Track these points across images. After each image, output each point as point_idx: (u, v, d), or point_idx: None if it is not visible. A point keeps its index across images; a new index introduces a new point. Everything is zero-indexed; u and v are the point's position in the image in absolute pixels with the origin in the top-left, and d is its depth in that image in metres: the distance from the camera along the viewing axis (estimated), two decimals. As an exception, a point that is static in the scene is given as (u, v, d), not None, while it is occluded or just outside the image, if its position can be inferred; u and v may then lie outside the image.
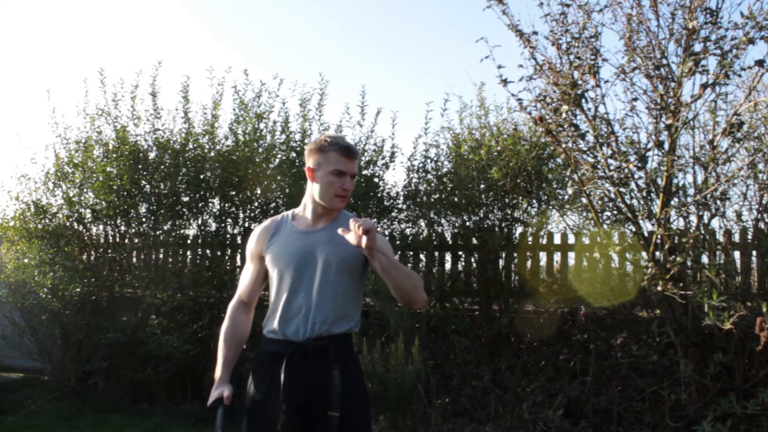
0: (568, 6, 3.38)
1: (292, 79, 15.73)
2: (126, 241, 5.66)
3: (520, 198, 4.63)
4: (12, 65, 22.43)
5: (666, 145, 3.20)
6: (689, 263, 3.15)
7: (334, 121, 8.75)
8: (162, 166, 5.38)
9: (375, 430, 3.89)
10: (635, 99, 3.31)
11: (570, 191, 3.95)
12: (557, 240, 4.87)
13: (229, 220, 5.42)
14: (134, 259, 5.67)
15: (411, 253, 5.29)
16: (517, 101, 3.51)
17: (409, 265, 5.26)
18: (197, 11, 22.55)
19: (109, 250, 5.60)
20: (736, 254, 4.02)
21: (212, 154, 5.34)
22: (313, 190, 2.01)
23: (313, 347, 1.91)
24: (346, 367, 1.94)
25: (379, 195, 5.49)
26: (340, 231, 1.87)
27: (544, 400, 3.88)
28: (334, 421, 1.83)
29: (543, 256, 4.90)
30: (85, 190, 5.57)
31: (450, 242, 5.19)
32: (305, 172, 2.04)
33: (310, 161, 2.01)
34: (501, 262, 4.91)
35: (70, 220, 5.62)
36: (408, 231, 5.45)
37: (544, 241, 4.88)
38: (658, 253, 3.24)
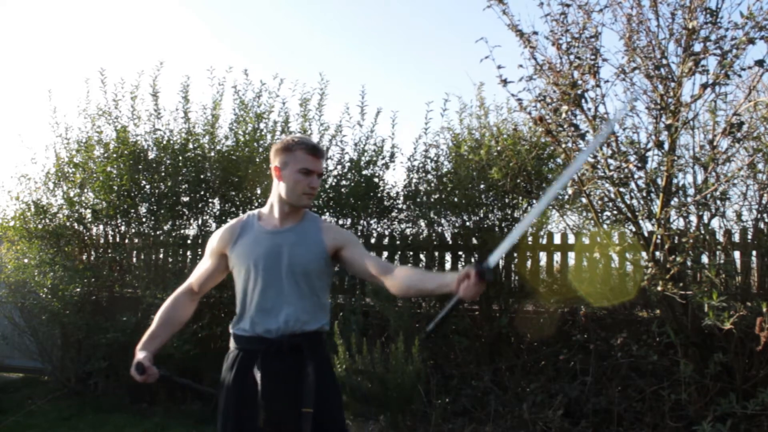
0: (568, 6, 3.39)
1: (292, 79, 15.73)
2: (126, 241, 5.66)
3: (520, 198, 4.63)
4: (13, 65, 22.45)
5: (666, 145, 3.20)
6: (689, 263, 3.15)
7: (334, 121, 8.77)
8: (162, 166, 5.37)
9: (375, 431, 3.89)
10: (635, 99, 3.32)
11: (570, 191, 3.95)
12: (557, 240, 4.86)
13: (230, 220, 5.41)
14: (134, 259, 5.67)
15: (411, 253, 5.29)
16: (517, 101, 3.51)
17: (410, 265, 5.27)
18: (197, 11, 22.57)
19: (109, 250, 5.60)
20: (736, 254, 4.02)
21: (212, 154, 5.34)
22: (279, 189, 2.03)
23: (288, 344, 1.95)
24: (320, 364, 1.99)
25: (379, 195, 5.49)
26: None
27: (544, 400, 3.87)
28: (308, 417, 1.87)
29: (543, 256, 4.90)
30: (85, 190, 5.57)
31: (450, 242, 5.19)
32: (272, 172, 2.07)
33: (276, 160, 2.03)
34: (501, 262, 4.91)
35: (70, 220, 5.62)
36: (408, 231, 5.46)
37: (544, 241, 4.88)
38: (658, 253, 3.24)
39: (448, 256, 5.25)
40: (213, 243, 2.12)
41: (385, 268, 1.96)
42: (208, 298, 5.15)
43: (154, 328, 2.05)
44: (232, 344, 2.06)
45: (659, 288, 3.10)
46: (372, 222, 5.63)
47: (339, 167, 5.56)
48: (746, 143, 3.25)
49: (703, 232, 3.33)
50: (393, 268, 1.96)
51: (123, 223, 5.60)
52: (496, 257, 1.78)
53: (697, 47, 3.08)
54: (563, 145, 3.49)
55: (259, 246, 2.02)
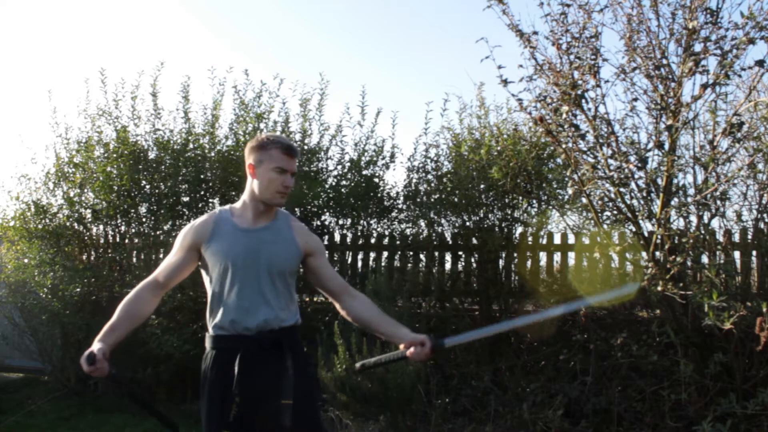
0: (568, 6, 3.38)
1: (292, 79, 15.74)
2: (126, 241, 5.66)
3: (520, 198, 4.63)
4: (13, 65, 22.44)
5: (666, 146, 3.20)
6: (689, 263, 3.15)
7: (334, 121, 8.76)
8: (162, 166, 5.37)
9: (375, 431, 3.89)
10: (635, 99, 3.31)
11: (570, 191, 3.94)
12: (557, 240, 4.87)
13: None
14: (134, 259, 5.67)
15: (411, 253, 5.29)
16: (517, 101, 3.51)
17: (409, 265, 5.27)
18: (197, 11, 22.56)
19: (109, 250, 5.60)
20: (736, 254, 4.02)
21: (212, 154, 5.34)
22: (253, 187, 2.05)
23: (268, 340, 1.98)
24: (297, 358, 2.03)
25: (379, 195, 5.49)
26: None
27: (544, 400, 3.87)
28: (288, 409, 1.91)
29: (543, 256, 4.90)
30: (85, 190, 5.57)
31: (450, 242, 5.19)
32: (246, 169, 2.08)
33: (251, 158, 2.05)
34: (501, 262, 4.91)
35: (71, 220, 5.61)
36: (408, 231, 5.45)
37: (544, 241, 4.88)
38: (658, 253, 3.24)
39: (448, 256, 5.25)
40: (186, 237, 2.07)
41: (345, 289, 2.14)
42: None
43: (114, 320, 1.97)
44: (209, 344, 2.05)
45: (659, 288, 3.10)
46: (372, 222, 5.63)
47: (339, 167, 5.56)
48: (746, 143, 3.25)
49: (703, 232, 3.33)
50: (354, 293, 2.14)
51: (123, 223, 5.60)
52: (455, 342, 2.04)
53: (698, 47, 3.08)
54: (563, 146, 3.48)
55: (236, 244, 2.02)
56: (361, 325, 2.14)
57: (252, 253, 2.01)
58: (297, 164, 2.10)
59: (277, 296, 2.04)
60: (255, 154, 2.04)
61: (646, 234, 3.43)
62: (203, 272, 2.10)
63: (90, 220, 5.63)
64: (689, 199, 3.30)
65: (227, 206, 2.14)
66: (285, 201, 2.07)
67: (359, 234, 5.60)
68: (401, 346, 2.01)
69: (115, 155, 5.35)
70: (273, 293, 2.03)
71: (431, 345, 1.93)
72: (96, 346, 1.87)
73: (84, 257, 5.70)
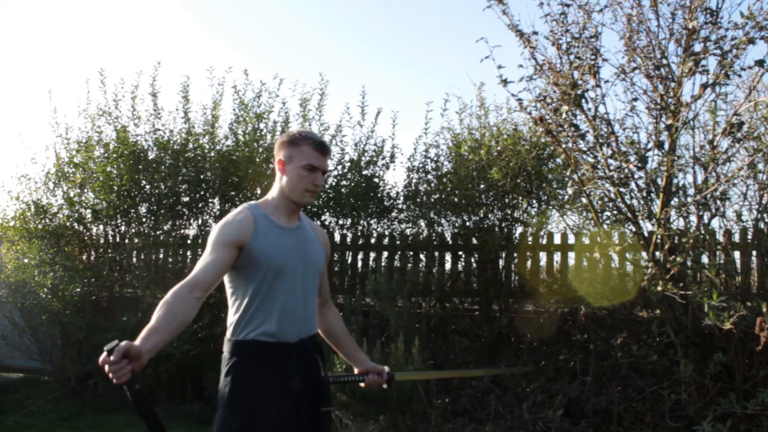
0: (568, 6, 3.38)
1: (292, 79, 15.73)
2: (126, 241, 5.66)
3: (520, 198, 4.62)
4: (13, 65, 22.44)
5: (666, 145, 3.19)
6: (689, 263, 3.14)
7: (334, 121, 8.77)
8: (162, 166, 5.38)
9: (375, 431, 3.89)
10: (635, 99, 3.31)
11: (570, 191, 3.94)
12: (557, 240, 4.87)
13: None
14: (134, 259, 5.67)
15: (411, 253, 5.29)
16: (517, 101, 3.51)
17: (409, 265, 5.27)
18: (197, 11, 22.56)
19: (109, 250, 5.61)
20: (736, 254, 4.02)
21: (212, 154, 5.34)
22: (282, 184, 1.95)
23: (310, 346, 1.94)
24: (325, 364, 2.02)
25: (379, 195, 5.49)
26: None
27: (544, 400, 3.87)
28: (328, 416, 1.91)
29: (543, 256, 4.90)
30: (85, 190, 5.58)
31: (450, 242, 5.19)
32: (275, 165, 1.98)
33: (281, 153, 1.95)
34: (501, 262, 4.91)
35: (71, 220, 5.62)
36: (408, 231, 5.46)
37: (544, 241, 4.88)
38: (658, 253, 3.24)
39: (448, 256, 5.25)
40: (227, 233, 1.82)
41: (329, 300, 2.19)
42: (208, 298, 5.14)
43: (153, 322, 1.62)
44: (242, 351, 1.83)
45: (659, 288, 3.10)
46: (372, 222, 5.63)
47: (339, 167, 5.56)
48: (746, 143, 3.24)
49: (703, 232, 3.32)
50: (332, 306, 2.21)
51: (123, 223, 5.61)
52: (404, 378, 2.35)
53: (697, 47, 3.08)
54: (563, 146, 3.48)
55: (283, 244, 1.89)
56: (330, 338, 2.19)
57: (298, 254, 1.92)
58: (328, 162, 1.99)
59: (314, 298, 1.99)
60: (285, 150, 1.93)
61: (646, 234, 3.42)
62: (234, 273, 1.88)
63: (90, 220, 5.63)
64: (689, 199, 3.30)
65: (253, 202, 1.97)
66: (314, 200, 1.99)
67: (359, 234, 5.60)
68: (356, 370, 2.14)
69: (115, 155, 5.35)
70: (312, 296, 1.97)
71: (387, 378, 2.10)
72: (134, 343, 1.52)
73: (84, 257, 5.70)
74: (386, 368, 2.13)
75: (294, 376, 1.85)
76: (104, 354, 1.44)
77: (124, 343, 1.47)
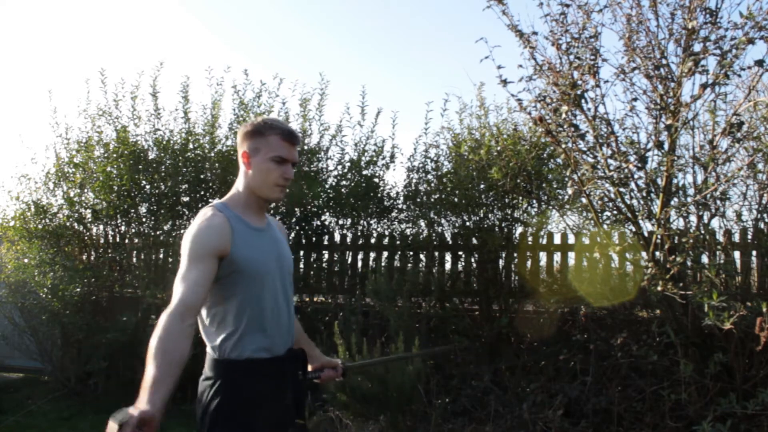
0: (567, 6, 3.38)
1: (292, 79, 15.74)
2: (126, 241, 5.67)
3: (520, 198, 4.63)
4: (13, 65, 22.45)
5: (666, 146, 3.19)
6: (689, 263, 3.14)
7: (334, 121, 8.78)
8: (162, 167, 5.38)
9: (375, 431, 3.89)
10: (635, 99, 3.31)
11: (570, 191, 3.94)
12: (557, 240, 4.87)
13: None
14: (134, 259, 5.67)
15: (411, 253, 5.29)
16: (517, 101, 3.51)
17: (409, 265, 5.27)
18: (197, 11, 22.57)
19: (109, 250, 5.61)
20: (736, 254, 4.02)
21: (212, 154, 5.35)
22: (248, 179, 1.75)
23: (293, 358, 1.81)
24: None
25: (379, 195, 5.50)
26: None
27: (544, 400, 3.87)
28: (303, 429, 1.81)
29: (543, 256, 4.90)
30: (85, 190, 5.58)
31: (450, 242, 5.19)
32: (240, 159, 1.78)
33: (245, 145, 1.75)
34: (501, 262, 4.91)
35: (71, 220, 5.62)
36: (408, 231, 5.47)
37: (544, 241, 4.88)
38: (658, 253, 3.24)
39: (448, 256, 5.25)
40: (208, 243, 1.61)
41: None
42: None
43: (154, 373, 1.37)
44: (232, 372, 1.65)
45: (659, 288, 3.10)
46: (372, 222, 5.64)
47: (339, 167, 5.56)
48: (746, 143, 3.24)
49: (703, 232, 3.33)
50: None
51: (123, 223, 5.61)
52: (354, 367, 2.31)
53: (697, 47, 3.08)
54: (563, 146, 3.48)
55: (261, 247, 1.73)
56: None
57: (275, 256, 1.76)
58: (298, 152, 1.81)
59: (292, 303, 1.84)
60: (250, 141, 1.74)
61: (646, 234, 3.42)
62: (215, 285, 1.65)
63: (90, 220, 5.63)
64: (689, 199, 3.30)
65: (220, 202, 1.77)
66: (283, 196, 1.78)
67: (359, 234, 5.61)
68: (310, 367, 2.00)
69: (115, 155, 5.36)
70: (291, 300, 1.81)
71: (342, 370, 2.08)
72: (143, 408, 1.29)
73: (84, 257, 5.70)
74: (339, 361, 2.10)
75: (288, 391, 1.75)
76: (115, 428, 1.24)
77: (135, 413, 1.26)
